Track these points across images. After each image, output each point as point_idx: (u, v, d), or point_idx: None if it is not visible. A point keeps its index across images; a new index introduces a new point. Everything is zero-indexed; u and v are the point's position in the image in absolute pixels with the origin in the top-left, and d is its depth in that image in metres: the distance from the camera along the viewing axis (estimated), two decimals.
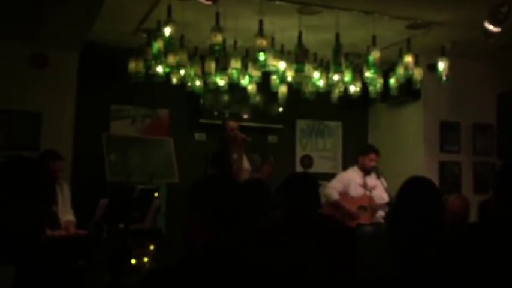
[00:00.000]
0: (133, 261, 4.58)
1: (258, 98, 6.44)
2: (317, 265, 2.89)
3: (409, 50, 5.30)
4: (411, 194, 2.69)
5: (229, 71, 5.26)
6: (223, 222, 1.94)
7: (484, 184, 6.64)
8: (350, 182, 5.78)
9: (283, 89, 5.98)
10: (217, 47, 4.66)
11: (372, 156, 5.80)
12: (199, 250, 1.90)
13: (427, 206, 2.63)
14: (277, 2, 4.89)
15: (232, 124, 5.39)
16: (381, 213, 5.69)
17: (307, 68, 5.24)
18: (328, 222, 3.32)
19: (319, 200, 3.33)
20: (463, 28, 5.51)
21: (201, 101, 6.79)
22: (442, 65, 5.32)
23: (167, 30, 4.62)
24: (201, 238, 1.92)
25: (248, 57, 5.52)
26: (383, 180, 5.73)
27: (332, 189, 5.69)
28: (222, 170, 5.06)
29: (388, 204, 5.49)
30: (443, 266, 2.02)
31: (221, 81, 5.62)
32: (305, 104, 6.33)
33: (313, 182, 3.31)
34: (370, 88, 5.69)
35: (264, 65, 4.96)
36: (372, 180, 5.75)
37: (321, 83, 5.71)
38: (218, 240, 1.89)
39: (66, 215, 5.10)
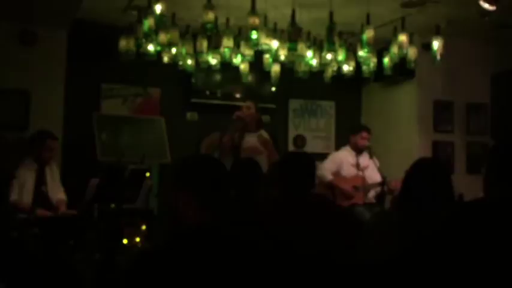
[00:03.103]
0: (125, 241, 4.57)
1: (250, 77, 6.37)
2: (311, 245, 2.88)
3: (403, 29, 5.23)
4: (420, 176, 2.66)
5: (222, 49, 5.20)
6: (220, 199, 1.93)
7: (477, 164, 6.65)
8: (342, 162, 5.76)
9: (275, 68, 5.92)
10: (209, 25, 4.59)
11: (364, 134, 5.77)
12: (188, 229, 1.88)
13: (438, 187, 2.61)
14: None
15: (243, 106, 5.45)
16: (373, 193, 5.69)
17: (300, 46, 5.17)
18: (324, 202, 3.31)
19: (315, 180, 3.31)
20: (458, 6, 5.46)
21: (193, 80, 6.73)
22: (436, 44, 5.26)
23: (158, 8, 4.54)
24: (194, 216, 1.90)
25: (240, 36, 5.45)
26: (375, 160, 5.71)
27: (325, 170, 5.66)
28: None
29: (381, 184, 5.48)
30: (446, 246, 2.00)
31: (213, 60, 5.55)
32: (298, 84, 6.28)
33: (311, 161, 3.29)
34: (364, 67, 5.65)
35: (256, 43, 4.89)
36: (364, 160, 5.74)
37: (314, 62, 5.65)
38: (211, 218, 1.87)
39: (58, 193, 5.11)
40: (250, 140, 5.24)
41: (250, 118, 5.31)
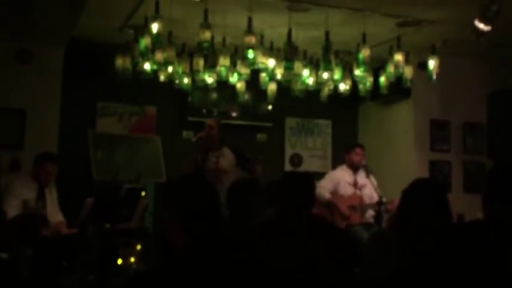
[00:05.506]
0: (119, 261, 4.51)
1: (246, 96, 6.38)
2: (307, 264, 2.85)
3: (399, 48, 5.26)
4: (417, 196, 2.65)
5: (218, 68, 5.19)
6: (205, 223, 1.88)
7: (474, 183, 6.63)
8: (340, 180, 5.74)
9: (272, 87, 5.92)
10: (205, 44, 4.60)
11: (358, 150, 5.79)
12: (181, 252, 1.84)
13: (435, 208, 2.59)
14: None
15: (208, 122, 5.40)
16: (370, 213, 5.65)
17: (297, 65, 5.18)
18: (321, 222, 3.28)
19: (313, 200, 3.29)
20: (453, 26, 5.48)
21: (189, 98, 6.72)
22: (432, 63, 5.29)
23: (155, 27, 4.55)
24: (181, 240, 1.85)
25: (237, 55, 5.45)
26: (372, 179, 5.69)
27: (323, 189, 5.63)
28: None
29: (378, 203, 5.45)
30: (444, 264, 1.98)
31: (209, 79, 5.55)
32: (294, 102, 6.28)
33: (310, 181, 3.27)
34: (360, 86, 5.66)
35: (253, 62, 4.90)
36: (361, 178, 5.71)
37: (310, 80, 5.66)
38: (200, 241, 1.83)
39: (56, 216, 5.07)
40: (214, 160, 5.19)
41: (212, 138, 5.26)
